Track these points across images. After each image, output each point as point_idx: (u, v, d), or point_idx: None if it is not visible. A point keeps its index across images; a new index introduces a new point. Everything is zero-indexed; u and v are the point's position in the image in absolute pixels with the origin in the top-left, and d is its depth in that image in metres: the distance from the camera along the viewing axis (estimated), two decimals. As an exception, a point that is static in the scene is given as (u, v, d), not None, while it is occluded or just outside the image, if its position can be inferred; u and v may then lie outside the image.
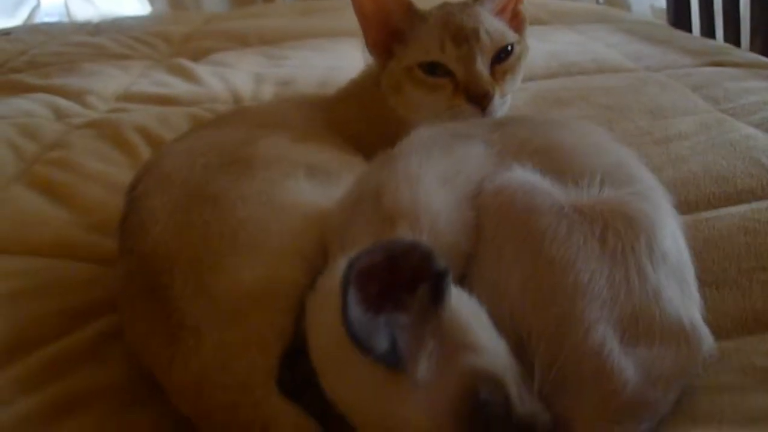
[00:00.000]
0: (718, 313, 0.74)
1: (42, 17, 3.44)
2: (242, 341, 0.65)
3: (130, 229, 0.79)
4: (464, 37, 0.94)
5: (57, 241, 1.00)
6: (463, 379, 0.54)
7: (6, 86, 1.73)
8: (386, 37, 1.01)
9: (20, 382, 0.74)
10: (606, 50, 1.74)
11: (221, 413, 0.64)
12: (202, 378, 0.64)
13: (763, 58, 1.61)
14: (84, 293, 0.89)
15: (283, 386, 0.64)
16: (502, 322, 0.61)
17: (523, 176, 0.68)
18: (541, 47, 1.62)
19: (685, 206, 0.91)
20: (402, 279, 0.56)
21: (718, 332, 0.67)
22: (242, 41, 2.09)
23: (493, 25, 0.97)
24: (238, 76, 1.71)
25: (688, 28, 2.22)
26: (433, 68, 0.96)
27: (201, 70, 1.78)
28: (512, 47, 0.98)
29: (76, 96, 1.60)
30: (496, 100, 0.94)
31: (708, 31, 2.16)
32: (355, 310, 0.52)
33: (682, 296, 0.64)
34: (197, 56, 1.94)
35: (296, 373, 0.64)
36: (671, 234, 0.67)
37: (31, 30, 2.67)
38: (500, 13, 1.01)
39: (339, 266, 0.58)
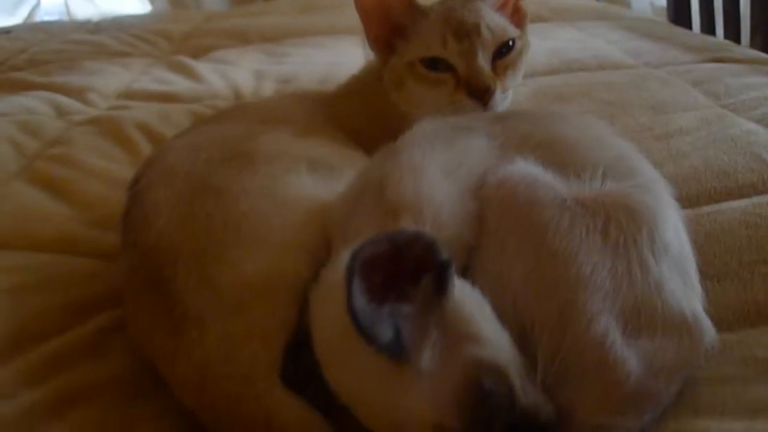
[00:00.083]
0: (719, 305, 0.74)
1: (42, 16, 3.44)
2: (245, 333, 0.65)
3: (133, 223, 0.79)
4: (465, 32, 0.94)
5: (59, 237, 1.01)
6: (466, 370, 0.54)
7: (6, 84, 1.73)
8: (387, 32, 1.01)
9: (23, 376, 0.75)
10: (607, 47, 1.74)
11: (224, 405, 0.64)
12: (205, 369, 0.65)
13: (763, 55, 1.61)
14: (86, 288, 0.89)
15: (286, 378, 0.65)
16: (504, 314, 0.61)
17: (526, 169, 0.68)
18: (542, 44, 1.63)
19: (686, 201, 0.91)
20: (405, 270, 0.56)
21: (720, 324, 0.68)
22: (243, 39, 2.10)
23: (494, 21, 0.97)
24: (239, 73, 1.71)
25: (688, 26, 2.22)
26: (434, 63, 0.96)
27: (202, 67, 1.78)
28: (513, 42, 0.98)
29: (77, 93, 1.61)
30: (498, 95, 0.94)
31: (708, 29, 2.16)
32: (360, 300, 0.52)
33: (684, 288, 0.65)
34: (198, 54, 1.94)
35: (300, 366, 0.64)
36: (673, 226, 0.68)
37: (32, 28, 2.68)
38: (501, 8, 1.01)
39: (342, 258, 0.58)
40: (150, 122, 1.36)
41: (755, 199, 0.92)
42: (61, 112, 1.51)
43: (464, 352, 0.55)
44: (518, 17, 1.02)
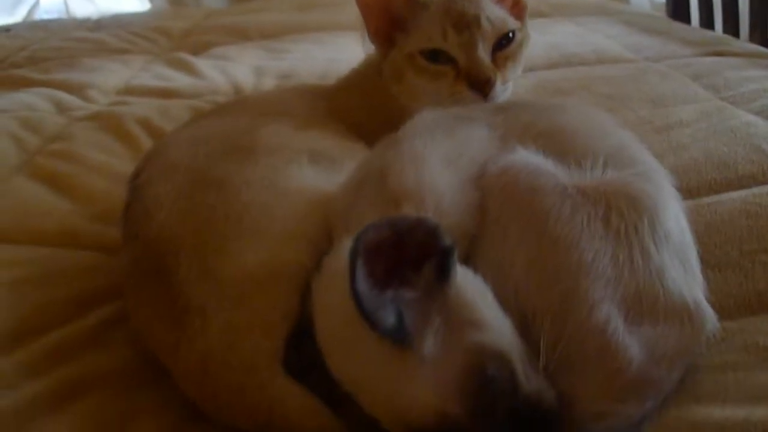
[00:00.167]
0: (721, 294, 0.74)
1: (41, 15, 3.43)
2: (247, 323, 0.65)
3: (134, 216, 0.79)
4: (466, 24, 0.95)
5: (60, 230, 1.01)
6: (469, 356, 0.55)
7: (7, 81, 1.73)
8: (388, 25, 1.01)
9: (25, 367, 0.75)
10: (606, 41, 1.75)
11: (227, 395, 0.64)
12: (207, 359, 0.65)
13: (762, 49, 1.61)
14: (88, 281, 0.89)
15: (289, 368, 0.65)
16: (506, 302, 0.61)
17: (527, 157, 0.68)
18: (541, 39, 1.62)
19: (686, 192, 0.90)
20: (408, 257, 0.56)
21: (722, 313, 0.68)
22: (242, 35, 2.10)
23: (494, 12, 0.97)
24: (238, 69, 1.71)
25: (687, 22, 2.22)
26: (434, 55, 0.96)
27: (202, 63, 1.78)
28: (513, 34, 0.98)
29: (77, 90, 1.61)
30: (498, 86, 0.94)
31: (707, 24, 2.16)
32: (363, 283, 0.52)
33: (685, 276, 0.65)
34: (197, 51, 1.94)
35: (302, 355, 0.64)
36: (674, 214, 0.68)
37: (31, 27, 2.68)
38: (501, 0, 1.02)
39: (344, 246, 0.58)
40: (150, 117, 1.37)
41: (755, 190, 0.92)
42: (61, 108, 1.51)
43: (467, 338, 0.55)
44: (518, 9, 1.02)
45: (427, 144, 0.70)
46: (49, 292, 0.87)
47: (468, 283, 0.59)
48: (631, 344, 0.59)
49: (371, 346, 0.55)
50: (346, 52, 1.75)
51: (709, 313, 0.64)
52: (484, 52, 0.95)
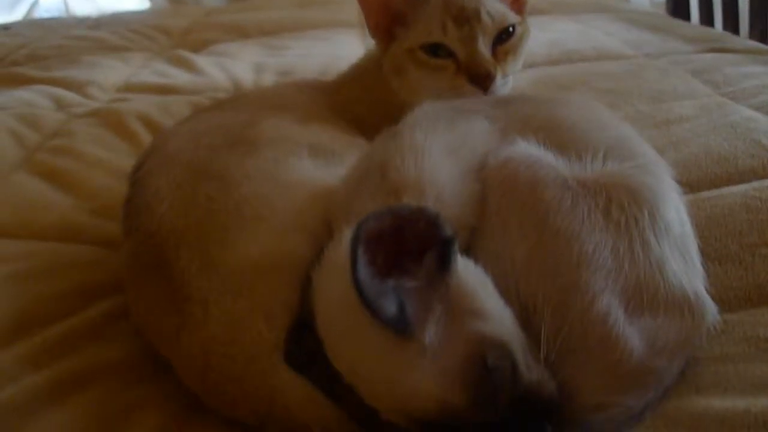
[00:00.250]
0: (721, 286, 0.74)
1: (41, 13, 3.43)
2: (248, 314, 0.65)
3: (135, 209, 0.79)
4: (466, 18, 0.95)
5: (61, 225, 1.01)
6: (470, 345, 0.55)
7: (6, 78, 1.73)
8: (388, 20, 1.01)
9: (26, 360, 0.75)
10: (606, 38, 1.75)
11: (228, 385, 0.64)
12: (208, 350, 0.65)
13: (762, 45, 1.61)
14: (88, 275, 0.89)
15: (290, 360, 0.65)
16: (507, 293, 0.61)
17: (527, 150, 0.68)
18: (541, 36, 1.63)
19: (687, 187, 0.89)
20: (408, 247, 0.56)
21: (722, 305, 0.68)
22: (242, 33, 2.10)
23: (494, 7, 0.97)
24: (238, 66, 1.72)
25: (687, 19, 2.22)
26: (435, 49, 0.96)
27: (201, 60, 1.78)
28: (514, 28, 0.98)
29: (77, 87, 1.61)
30: (498, 80, 0.94)
31: (707, 22, 2.16)
32: (365, 271, 0.52)
33: (686, 267, 0.65)
34: (197, 48, 1.94)
35: (303, 347, 0.64)
36: (674, 207, 0.68)
37: (31, 25, 2.68)
38: (501, -5, 1.02)
39: (345, 237, 0.58)
40: (150, 113, 1.37)
41: (756, 184, 0.92)
42: (61, 105, 1.51)
43: (468, 328, 0.55)
44: (518, 4, 1.02)
45: (428, 136, 0.70)
46: (49, 285, 0.87)
47: (469, 273, 0.59)
48: (632, 335, 0.60)
49: (372, 336, 0.54)
50: (345, 48, 1.75)
51: (710, 305, 0.64)
52: (484, 47, 0.95)
